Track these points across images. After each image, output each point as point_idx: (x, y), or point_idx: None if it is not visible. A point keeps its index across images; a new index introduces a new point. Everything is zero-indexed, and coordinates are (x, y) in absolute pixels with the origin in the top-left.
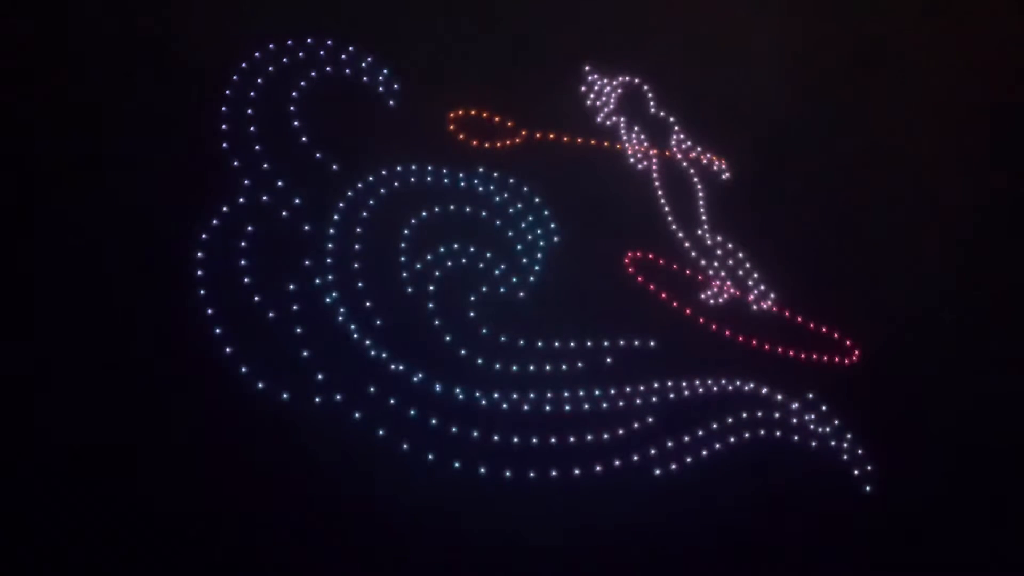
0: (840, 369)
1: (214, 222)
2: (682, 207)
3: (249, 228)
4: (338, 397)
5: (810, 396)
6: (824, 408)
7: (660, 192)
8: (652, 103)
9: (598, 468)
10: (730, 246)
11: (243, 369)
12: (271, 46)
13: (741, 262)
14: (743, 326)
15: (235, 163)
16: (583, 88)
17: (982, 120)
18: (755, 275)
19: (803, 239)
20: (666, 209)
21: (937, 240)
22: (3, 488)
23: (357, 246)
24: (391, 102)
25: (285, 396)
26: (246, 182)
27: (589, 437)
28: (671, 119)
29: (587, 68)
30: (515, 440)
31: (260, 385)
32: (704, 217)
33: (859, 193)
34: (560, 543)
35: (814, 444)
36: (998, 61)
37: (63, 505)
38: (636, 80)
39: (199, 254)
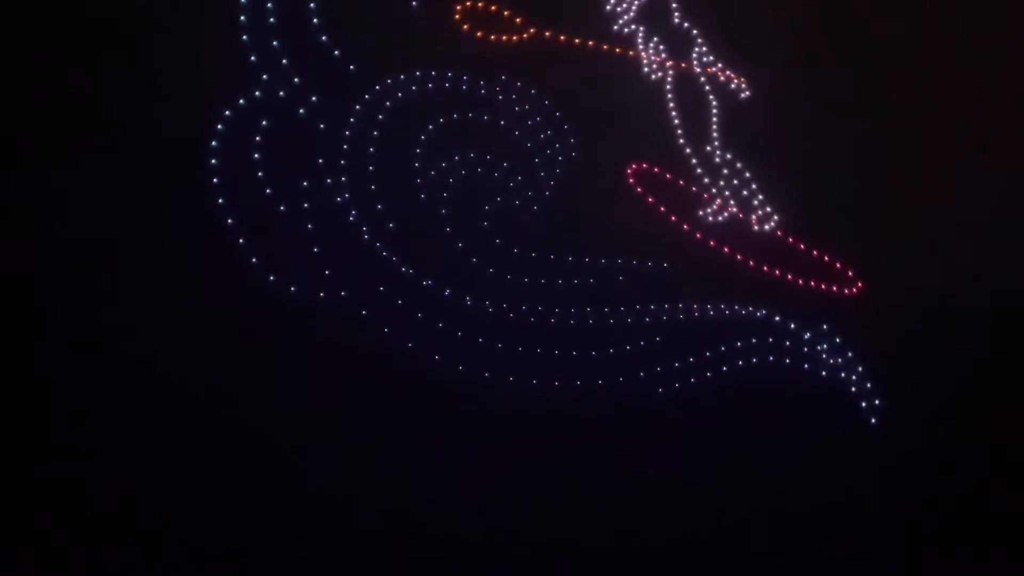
0: (844, 299)
1: (227, 113)
2: (693, 122)
3: (264, 123)
4: (344, 294)
5: (824, 327)
6: (837, 340)
7: (672, 105)
8: (677, 13)
9: (600, 382)
10: (738, 165)
11: (253, 260)
12: None
13: (747, 182)
14: (748, 249)
15: (252, 58)
16: None
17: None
18: (760, 196)
19: (814, 166)
20: (676, 123)
21: (947, 182)
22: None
23: (372, 148)
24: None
25: (293, 289)
26: (263, 77)
27: (594, 353)
28: (694, 32)
29: None
30: (519, 349)
31: (271, 277)
32: (715, 134)
33: (876, 126)
34: (557, 455)
35: (824, 373)
36: None
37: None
38: None
39: (213, 143)
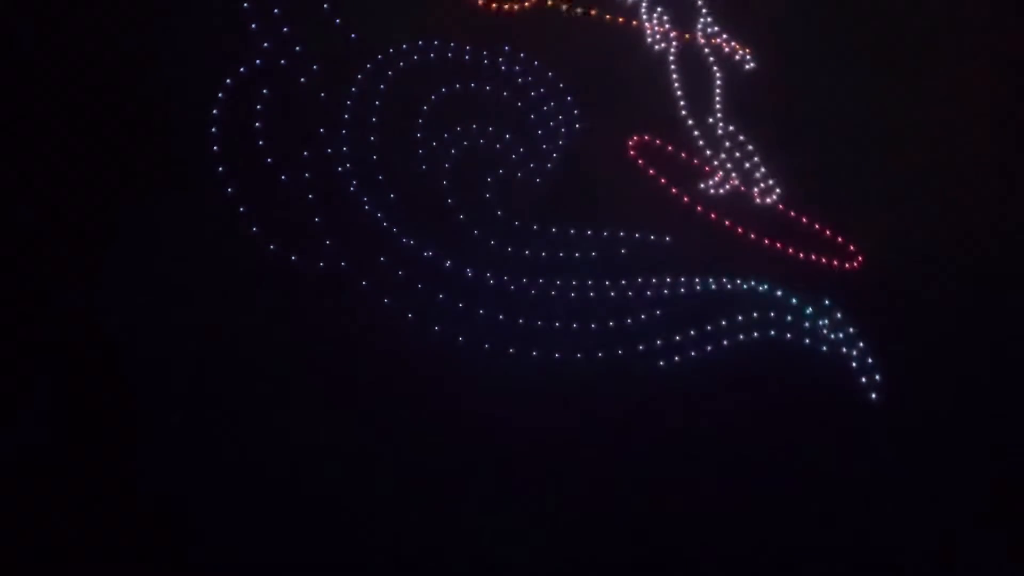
0: (845, 274)
1: (228, 81)
2: (696, 94)
3: (265, 91)
4: (344, 264)
5: (826, 302)
6: (839, 316)
7: (675, 76)
8: None
9: (601, 355)
10: (741, 138)
11: (254, 228)
12: None
13: (750, 154)
14: (750, 222)
15: (253, 26)
16: None
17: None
18: (762, 169)
19: (817, 140)
20: (679, 94)
21: (953, 156)
22: None
23: (374, 118)
24: None
25: (294, 259)
26: (265, 45)
27: (594, 325)
28: (699, 2)
29: None
30: (520, 321)
31: (271, 247)
32: (719, 106)
33: (881, 100)
34: (556, 427)
35: (824, 349)
36: None
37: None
38: None
39: (214, 111)
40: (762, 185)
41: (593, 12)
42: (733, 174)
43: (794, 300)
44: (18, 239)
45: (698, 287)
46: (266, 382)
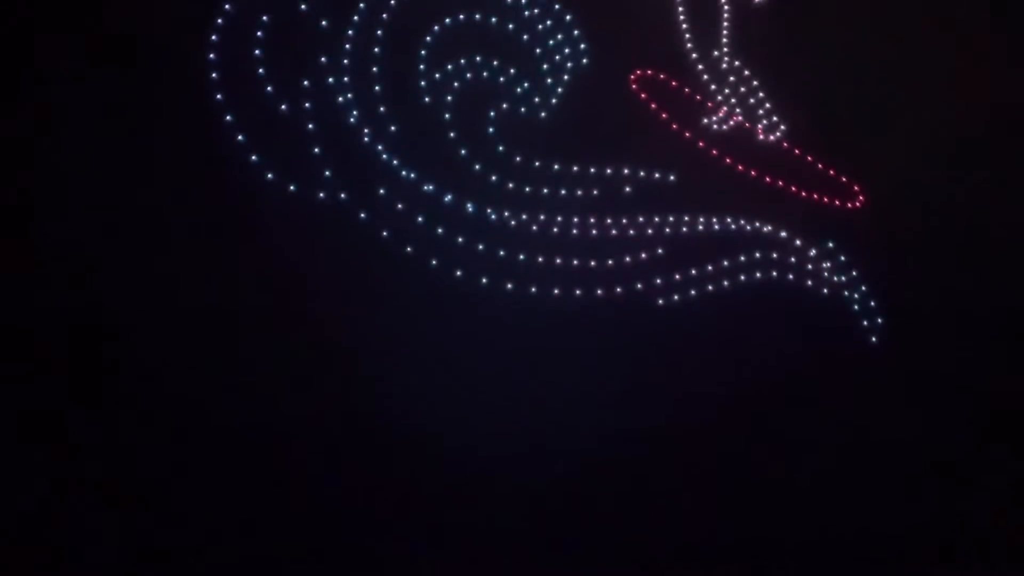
0: (849, 216)
1: (228, 7)
2: (703, 26)
3: (265, 18)
4: (343, 195)
5: (830, 244)
6: (842, 258)
7: (680, 8)
8: None
9: (599, 292)
10: (746, 73)
11: (253, 158)
12: None
13: (755, 90)
14: (753, 160)
15: None
16: None
17: None
18: (767, 105)
19: (825, 77)
20: (684, 27)
21: (962, 98)
22: None
23: (376, 49)
24: None
25: (292, 188)
26: None
27: (593, 263)
28: None
29: None
30: (521, 257)
31: (269, 176)
32: (725, 39)
33: (891, 39)
34: (553, 363)
35: (825, 291)
36: None
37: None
38: None
39: (213, 37)
40: (766, 122)
41: None
42: (737, 110)
43: (797, 241)
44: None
45: (700, 226)
46: (264, 311)
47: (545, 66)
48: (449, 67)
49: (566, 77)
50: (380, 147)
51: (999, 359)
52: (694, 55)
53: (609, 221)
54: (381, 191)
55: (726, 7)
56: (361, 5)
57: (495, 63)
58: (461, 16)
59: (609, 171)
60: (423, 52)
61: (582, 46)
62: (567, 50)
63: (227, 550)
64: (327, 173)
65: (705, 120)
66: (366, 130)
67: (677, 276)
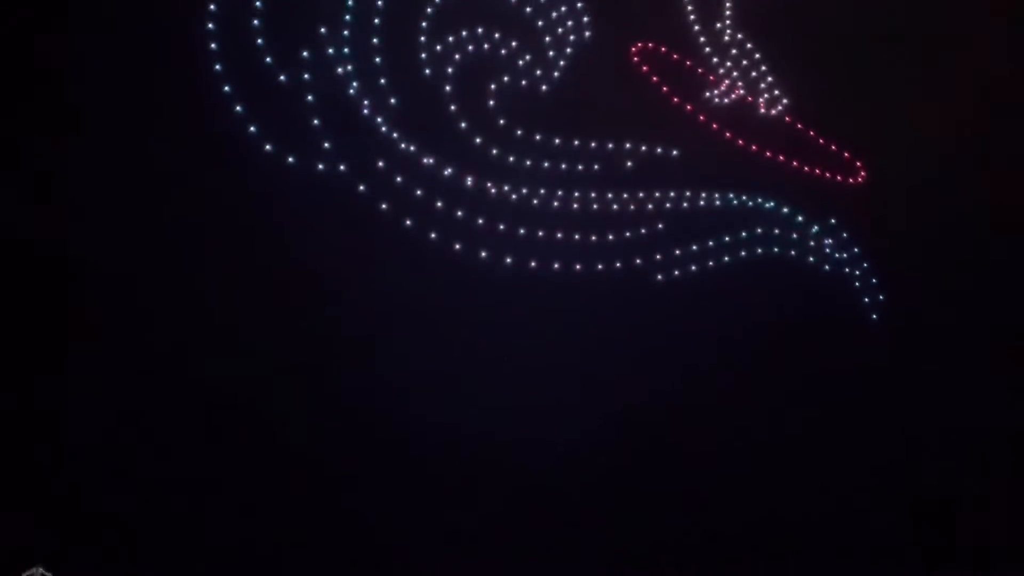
0: (850, 192)
1: None
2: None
3: None
4: (342, 167)
5: (832, 221)
6: (844, 235)
7: None
8: None
9: (600, 267)
10: (748, 46)
11: (252, 128)
12: None
13: (756, 63)
14: (755, 134)
15: None
16: None
17: None
18: (769, 79)
19: (828, 49)
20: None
21: (962, 75)
22: None
23: (376, 20)
24: None
25: (291, 160)
26: None
27: (594, 237)
28: None
29: None
30: (521, 232)
31: (268, 147)
32: (728, 13)
33: (893, 13)
34: (551, 337)
35: (827, 268)
36: None
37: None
38: None
39: (211, 7)
40: (768, 95)
41: None
42: (739, 84)
43: (799, 217)
44: None
45: (701, 202)
46: (263, 280)
47: (547, 39)
48: (450, 39)
49: (568, 50)
50: (380, 119)
51: (1003, 335)
52: (696, 28)
53: (610, 196)
54: (380, 163)
55: None
56: None
57: (496, 35)
58: None
59: (610, 146)
60: (424, 24)
61: (584, 19)
62: (569, 23)
63: (230, 543)
64: (326, 145)
65: (707, 94)
66: (366, 102)
67: (677, 251)
